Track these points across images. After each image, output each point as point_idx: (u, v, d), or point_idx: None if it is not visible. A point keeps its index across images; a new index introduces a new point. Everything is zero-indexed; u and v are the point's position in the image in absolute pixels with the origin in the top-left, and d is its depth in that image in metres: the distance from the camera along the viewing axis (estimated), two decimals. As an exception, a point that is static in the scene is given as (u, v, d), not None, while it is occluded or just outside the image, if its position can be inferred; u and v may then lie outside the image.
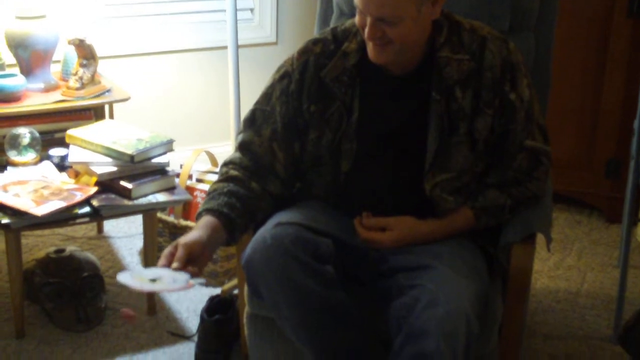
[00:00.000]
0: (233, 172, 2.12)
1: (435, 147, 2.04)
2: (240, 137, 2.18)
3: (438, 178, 2.06)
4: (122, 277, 1.82)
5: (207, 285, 2.88)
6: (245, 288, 2.19)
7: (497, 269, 2.13)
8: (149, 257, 2.72)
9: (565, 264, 3.16)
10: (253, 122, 2.16)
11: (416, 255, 2.00)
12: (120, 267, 3.05)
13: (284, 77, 2.14)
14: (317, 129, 2.11)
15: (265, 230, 2.00)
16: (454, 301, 1.83)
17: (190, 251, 1.88)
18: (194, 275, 1.85)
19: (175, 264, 1.85)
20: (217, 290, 2.81)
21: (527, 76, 2.09)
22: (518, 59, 2.07)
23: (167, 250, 1.89)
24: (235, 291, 2.65)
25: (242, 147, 2.16)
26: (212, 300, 2.61)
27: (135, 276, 1.84)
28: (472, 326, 1.85)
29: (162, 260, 1.88)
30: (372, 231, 2.08)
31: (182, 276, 1.83)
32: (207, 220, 2.00)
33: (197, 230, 1.96)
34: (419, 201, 2.08)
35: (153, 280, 1.82)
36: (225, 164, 2.16)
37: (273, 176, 2.14)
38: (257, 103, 2.18)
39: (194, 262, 1.89)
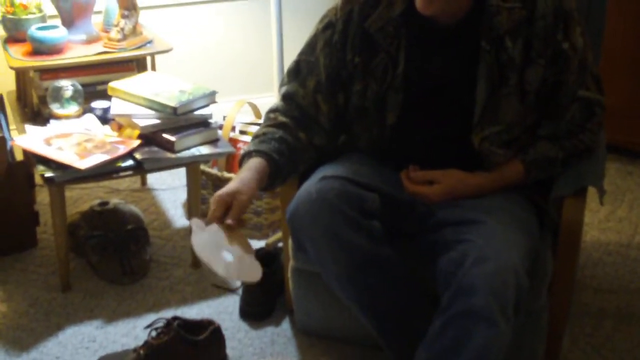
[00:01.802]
0: (282, 119, 2.11)
1: (485, 98, 1.99)
2: (285, 88, 2.16)
3: (487, 131, 2.02)
4: (195, 239, 1.85)
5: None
6: (290, 242, 2.18)
7: (547, 223, 2.10)
8: (192, 209, 2.72)
9: (616, 215, 3.10)
10: (298, 74, 2.14)
11: (464, 209, 1.97)
12: (165, 220, 3.05)
13: (327, 27, 2.11)
14: (361, 81, 2.08)
15: (311, 184, 1.98)
16: (503, 257, 1.81)
17: (243, 205, 1.90)
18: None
19: (230, 219, 1.87)
20: (261, 243, 2.80)
21: (581, 24, 2.03)
22: (571, 6, 2.01)
23: (221, 198, 1.89)
24: (280, 244, 2.64)
25: (286, 98, 2.14)
26: (257, 253, 2.59)
27: (207, 234, 1.85)
28: (522, 282, 1.82)
29: (217, 208, 1.88)
30: (419, 184, 2.05)
31: (248, 258, 1.87)
32: (257, 163, 1.99)
33: (248, 173, 1.96)
34: (468, 154, 2.05)
35: (220, 255, 1.83)
36: (273, 110, 2.15)
37: (318, 128, 2.12)
38: (301, 54, 2.15)
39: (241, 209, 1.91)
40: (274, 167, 2.00)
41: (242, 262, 1.87)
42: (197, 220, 1.90)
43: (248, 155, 2.02)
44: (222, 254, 1.85)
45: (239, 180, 1.93)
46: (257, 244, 2.80)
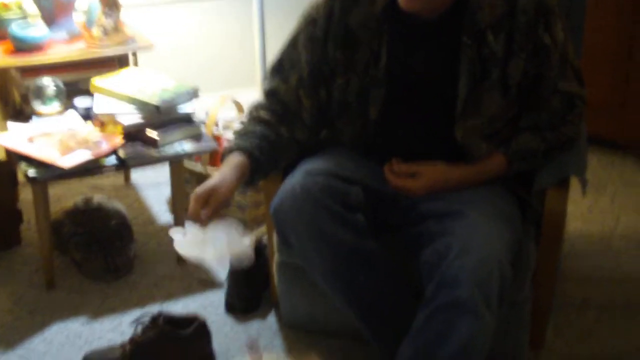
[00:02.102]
0: (264, 115, 2.11)
1: (466, 92, 2.00)
2: (267, 84, 2.16)
3: (469, 124, 2.03)
4: (178, 246, 1.85)
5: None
6: (275, 236, 2.19)
7: (530, 214, 2.11)
8: (176, 205, 2.72)
9: (598, 206, 3.13)
10: (280, 70, 2.14)
11: (447, 202, 1.98)
12: (149, 216, 3.06)
13: (309, 23, 2.11)
14: (343, 76, 2.09)
15: (294, 179, 1.99)
16: (486, 248, 1.82)
17: (223, 197, 1.91)
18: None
19: (206, 211, 1.88)
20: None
21: (562, 18, 2.04)
22: (552, 1, 2.02)
23: (200, 195, 1.90)
24: (265, 239, 2.64)
25: (269, 94, 2.15)
26: (241, 248, 2.60)
27: (189, 235, 1.86)
28: (505, 273, 1.83)
29: (195, 204, 1.89)
30: (402, 178, 2.06)
31: (236, 232, 1.86)
32: (238, 159, 2.00)
33: (228, 169, 1.97)
34: (450, 148, 2.06)
35: (203, 249, 1.84)
36: (255, 107, 2.16)
37: (300, 123, 2.13)
38: (283, 50, 2.16)
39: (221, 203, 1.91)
40: (254, 163, 2.01)
41: (231, 242, 1.88)
42: (174, 228, 1.95)
43: (229, 151, 2.03)
44: (208, 247, 1.86)
45: (217, 176, 1.95)
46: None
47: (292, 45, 2.14)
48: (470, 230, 1.87)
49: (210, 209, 1.88)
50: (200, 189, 1.90)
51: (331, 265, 1.95)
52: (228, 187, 1.92)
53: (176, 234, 1.91)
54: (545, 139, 2.07)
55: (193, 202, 1.89)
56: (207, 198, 1.89)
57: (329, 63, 2.09)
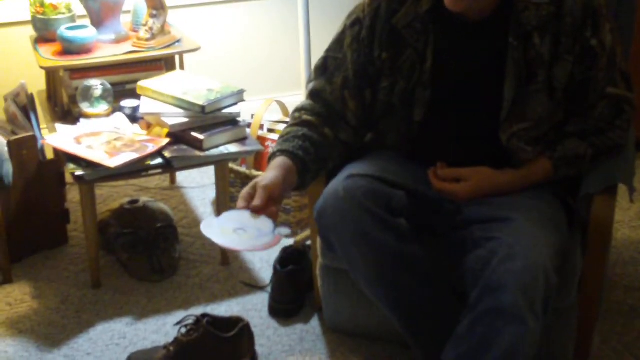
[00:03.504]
0: (307, 117, 2.11)
1: (512, 95, 1.99)
2: (312, 85, 2.16)
3: (515, 128, 2.02)
4: (208, 231, 1.81)
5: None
6: (318, 240, 2.19)
7: (576, 220, 2.09)
8: (221, 207, 2.73)
9: (647, 213, 3.08)
10: (325, 70, 2.15)
11: (492, 207, 1.97)
12: (194, 217, 3.07)
13: (355, 23, 2.11)
14: (389, 77, 2.08)
15: (338, 182, 1.99)
16: (531, 254, 1.80)
17: (271, 192, 1.88)
18: (273, 217, 1.85)
19: (256, 202, 1.84)
20: (290, 241, 2.81)
21: (610, 20, 2.02)
22: (600, 2, 1.99)
23: (245, 192, 1.87)
24: (309, 242, 2.64)
25: (313, 95, 2.15)
26: (286, 251, 2.61)
27: (219, 227, 1.83)
28: (551, 280, 1.82)
29: (241, 202, 1.86)
30: (446, 182, 2.05)
31: (266, 224, 1.82)
32: (281, 161, 1.99)
33: (273, 170, 1.95)
34: (495, 151, 2.05)
35: (238, 230, 1.80)
36: (298, 110, 2.16)
37: (345, 124, 2.13)
38: (329, 50, 2.16)
39: (273, 203, 1.88)
40: (299, 164, 2.00)
41: (250, 223, 1.84)
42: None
43: (272, 156, 2.03)
44: (237, 230, 1.82)
45: (261, 176, 1.94)
46: (287, 242, 2.81)
47: (338, 46, 2.14)
48: (516, 235, 1.85)
49: (260, 198, 1.85)
50: (246, 188, 1.90)
51: (374, 270, 1.95)
52: (272, 182, 1.89)
53: (207, 228, 1.87)
54: (592, 144, 2.05)
55: (239, 202, 1.88)
56: (252, 194, 1.88)
57: (375, 64, 2.09)
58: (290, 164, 1.99)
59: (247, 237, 1.79)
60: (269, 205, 1.85)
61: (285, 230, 1.84)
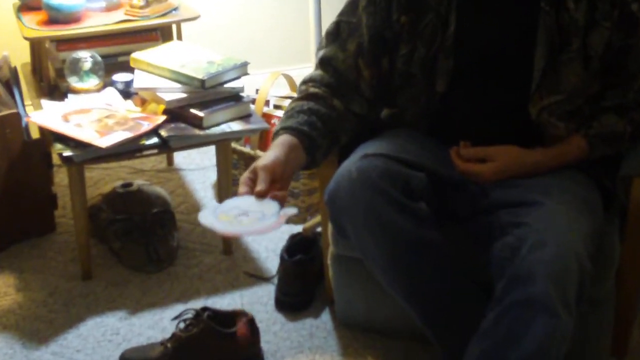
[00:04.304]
0: (313, 90, 2.10)
1: (543, 65, 1.98)
2: (322, 52, 2.15)
3: (546, 101, 2.00)
4: (205, 219, 1.79)
5: (287, 222, 2.88)
6: (330, 226, 2.18)
7: (614, 204, 2.08)
8: (223, 191, 2.73)
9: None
10: (337, 36, 2.14)
11: (521, 190, 1.96)
12: (193, 202, 3.08)
13: (371, -17, 2.10)
14: (408, 44, 2.08)
15: (351, 163, 1.98)
16: (564, 241, 1.80)
17: (273, 173, 1.87)
18: (281, 201, 1.83)
19: (260, 187, 1.83)
20: (298, 228, 2.81)
21: (654, -18, 2.00)
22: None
23: (244, 176, 1.87)
24: (319, 229, 2.64)
25: (323, 62, 2.14)
26: (293, 239, 2.61)
27: (219, 214, 1.82)
28: (585, 269, 1.81)
29: (242, 187, 1.85)
30: (471, 162, 2.04)
31: (271, 206, 1.81)
32: (284, 139, 1.99)
33: (274, 149, 1.95)
34: (525, 128, 2.04)
35: (239, 217, 1.80)
36: (305, 82, 2.15)
37: (357, 95, 2.12)
38: (342, 14, 2.15)
39: (278, 186, 1.87)
40: (305, 140, 1.99)
41: (253, 207, 1.83)
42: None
43: (275, 135, 2.02)
44: (238, 217, 1.81)
45: (262, 157, 1.93)
46: (294, 228, 2.81)
47: (352, 9, 2.13)
48: (547, 220, 1.84)
49: (263, 180, 1.84)
50: (245, 172, 1.89)
51: (390, 258, 1.94)
52: (272, 162, 1.88)
53: (205, 216, 1.85)
54: (631, 120, 2.03)
55: (240, 187, 1.87)
56: (254, 178, 1.87)
57: (392, 29, 2.08)
58: (295, 141, 1.98)
59: (250, 221, 1.78)
60: (273, 188, 1.85)
61: (292, 210, 1.82)
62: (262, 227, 1.79)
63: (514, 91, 2.03)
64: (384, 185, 1.91)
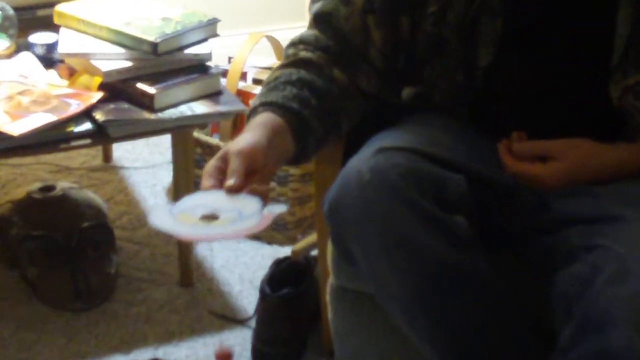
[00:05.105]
0: (305, 54, 2.11)
1: (629, 31, 1.99)
2: (318, 5, 2.16)
3: (632, 79, 2.02)
4: (160, 220, 1.80)
5: (270, 242, 2.89)
6: (330, 248, 2.19)
7: None
8: (181, 197, 2.73)
9: None
10: (338, -16, 2.15)
11: (597, 200, 1.97)
12: (138, 213, 3.09)
13: None
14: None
15: (361, 160, 1.98)
16: (655, 272, 1.80)
17: (251, 161, 1.85)
18: (263, 197, 1.82)
19: (232, 179, 1.82)
20: (285, 251, 2.82)
21: None
22: None
23: (211, 165, 1.83)
24: (314, 252, 2.65)
25: (319, 19, 2.14)
26: (278, 266, 2.62)
27: (178, 215, 1.82)
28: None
29: (208, 180, 1.83)
30: (526, 161, 2.05)
31: (249, 203, 1.80)
32: (265, 118, 1.97)
33: (252, 131, 1.92)
34: (601, 115, 2.06)
35: (205, 219, 1.79)
36: (293, 44, 2.15)
37: (366, 65, 2.13)
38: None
39: (258, 177, 1.85)
40: (294, 121, 1.98)
41: (225, 203, 1.82)
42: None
43: (253, 113, 2.01)
44: (205, 217, 1.81)
45: (234, 141, 1.90)
46: (279, 250, 2.82)
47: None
48: (631, 243, 1.85)
49: (236, 176, 1.84)
50: (212, 160, 1.87)
51: (415, 293, 1.94)
52: (251, 146, 1.85)
53: (158, 216, 1.84)
54: None
55: (204, 179, 1.86)
56: (222, 167, 1.85)
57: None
58: (279, 122, 1.97)
59: (222, 223, 1.78)
60: (250, 181, 1.84)
61: (279, 207, 1.81)
62: (241, 228, 1.77)
63: (587, 66, 2.05)
64: (408, 192, 1.90)
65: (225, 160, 1.84)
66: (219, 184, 1.81)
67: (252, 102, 2.03)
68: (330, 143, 2.12)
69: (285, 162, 2.01)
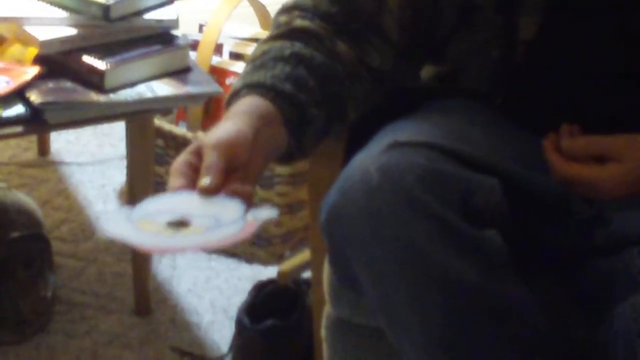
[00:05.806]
0: (302, 22, 2.11)
1: None
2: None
3: None
4: (112, 227, 1.78)
5: (249, 260, 2.89)
6: (326, 268, 2.19)
7: None
8: (138, 201, 2.73)
9: None
10: None
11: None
12: (82, 221, 3.09)
13: None
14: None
15: (369, 157, 1.98)
16: None
17: (231, 155, 1.83)
18: (246, 199, 1.80)
19: (208, 177, 1.81)
20: (269, 272, 2.82)
21: None
22: None
23: (180, 161, 1.81)
24: (306, 274, 2.65)
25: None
26: (260, 291, 2.62)
27: (138, 222, 1.81)
28: None
29: (177, 179, 1.81)
30: (579, 162, 2.05)
31: (229, 207, 1.79)
32: (250, 102, 1.96)
33: (233, 119, 1.90)
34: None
35: (173, 226, 1.79)
36: (286, 9, 2.16)
37: (378, 37, 2.13)
38: None
39: (240, 176, 1.84)
40: (288, 107, 1.97)
41: (196, 208, 1.81)
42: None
43: (235, 96, 2.01)
44: (172, 224, 1.80)
45: (214, 131, 1.89)
46: (262, 272, 2.82)
47: None
48: None
49: (212, 175, 1.82)
50: (182, 154, 1.86)
51: (436, 325, 1.94)
52: (231, 137, 1.84)
53: (111, 222, 1.83)
54: None
55: (171, 178, 1.85)
56: (195, 164, 1.84)
57: None
58: (269, 108, 1.96)
59: (194, 231, 1.77)
60: (230, 180, 1.83)
61: (266, 213, 1.79)
62: (217, 238, 1.76)
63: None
64: (427, 200, 1.90)
65: (198, 154, 1.82)
66: (191, 183, 1.80)
67: (234, 84, 2.02)
68: (333, 136, 2.12)
69: (276, 159, 2.00)
